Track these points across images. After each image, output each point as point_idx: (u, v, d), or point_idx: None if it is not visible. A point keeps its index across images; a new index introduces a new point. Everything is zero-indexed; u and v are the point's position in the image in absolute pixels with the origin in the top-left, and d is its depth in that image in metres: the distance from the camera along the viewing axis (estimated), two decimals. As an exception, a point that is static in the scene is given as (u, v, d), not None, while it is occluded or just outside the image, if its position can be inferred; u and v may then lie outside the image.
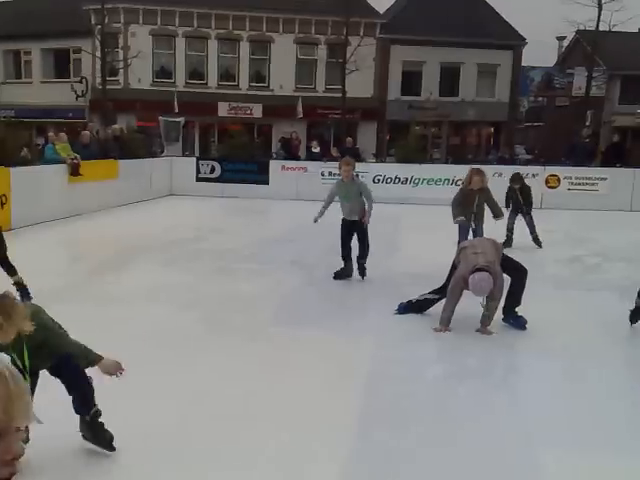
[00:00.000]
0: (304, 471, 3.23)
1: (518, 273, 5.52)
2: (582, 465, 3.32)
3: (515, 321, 5.54)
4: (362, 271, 7.34)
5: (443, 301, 5.54)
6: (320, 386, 4.30)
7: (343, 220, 7.38)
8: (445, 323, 5.39)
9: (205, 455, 3.33)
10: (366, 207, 7.22)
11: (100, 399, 3.32)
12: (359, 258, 7.34)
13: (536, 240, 9.80)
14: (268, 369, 4.59)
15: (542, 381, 4.58)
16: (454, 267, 5.53)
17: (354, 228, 7.30)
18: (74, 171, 12.30)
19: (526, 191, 9.91)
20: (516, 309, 5.55)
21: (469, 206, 7.85)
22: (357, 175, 7.85)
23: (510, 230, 9.68)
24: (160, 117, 19.31)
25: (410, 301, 5.91)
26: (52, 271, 7.55)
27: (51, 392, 3.21)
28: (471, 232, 7.92)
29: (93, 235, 10.35)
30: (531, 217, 9.80)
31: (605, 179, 15.20)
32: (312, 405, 3.99)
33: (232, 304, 6.33)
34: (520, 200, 9.79)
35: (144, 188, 15.24)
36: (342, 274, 7.37)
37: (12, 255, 6.23)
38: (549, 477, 3.22)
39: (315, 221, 7.29)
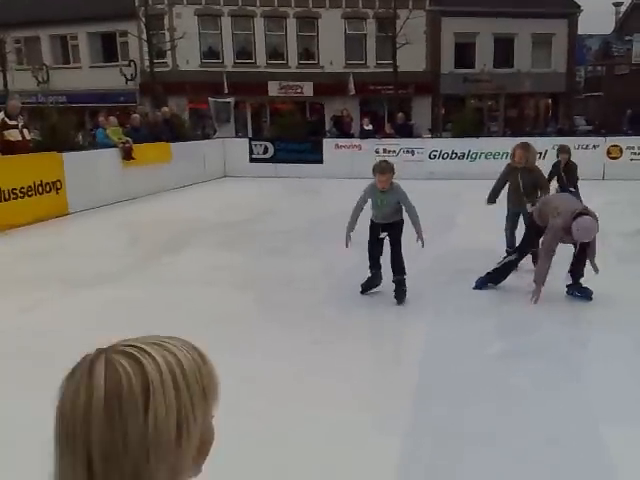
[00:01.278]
0: (365, 446, 3.16)
1: (582, 245, 5.27)
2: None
3: (581, 293, 5.40)
4: (399, 292, 5.53)
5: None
6: (375, 364, 4.27)
7: (372, 222, 5.75)
8: (542, 281, 5.20)
9: (262, 433, 3.30)
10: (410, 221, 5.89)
11: None
12: (395, 273, 5.59)
13: None
14: (322, 349, 4.54)
15: (609, 356, 4.38)
16: (532, 227, 5.47)
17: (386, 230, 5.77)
18: (127, 155, 12.31)
19: (572, 167, 8.56)
20: (580, 280, 5.41)
21: (515, 188, 6.47)
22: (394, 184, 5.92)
23: None
24: (210, 98, 19.19)
25: (488, 272, 5.71)
26: (109, 254, 7.65)
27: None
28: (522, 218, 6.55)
29: (148, 218, 10.36)
30: (578, 195, 8.16)
31: None
32: (368, 382, 3.97)
33: (287, 285, 6.24)
34: (563, 176, 8.44)
35: (198, 170, 15.21)
36: (369, 285, 5.86)
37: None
38: (615, 456, 3.06)
39: (347, 246, 5.60)
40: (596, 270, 5.21)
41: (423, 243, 5.39)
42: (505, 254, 6.21)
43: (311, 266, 6.93)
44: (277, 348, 4.52)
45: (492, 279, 5.73)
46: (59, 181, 10.41)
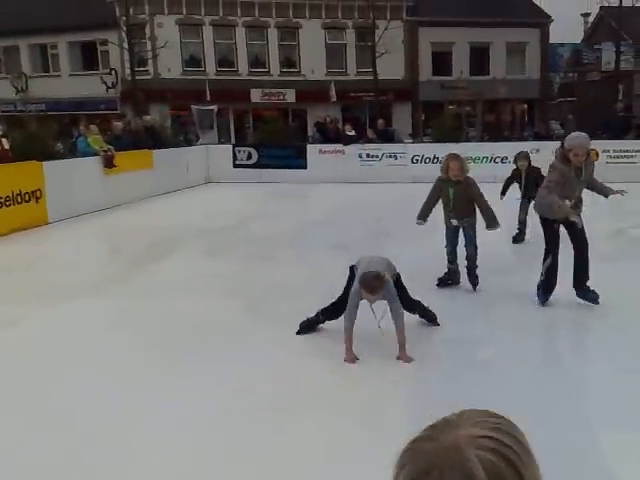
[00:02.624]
0: (362, 458, 3.01)
1: (578, 246, 5.25)
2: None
3: (587, 295, 5.33)
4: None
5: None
6: (371, 373, 4.12)
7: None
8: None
9: (255, 448, 3.21)
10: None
11: (144, 392, 3.51)
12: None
13: (519, 235, 8.16)
14: (315, 357, 4.44)
15: (605, 356, 4.37)
16: (544, 221, 5.33)
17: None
18: (108, 163, 12.17)
19: (535, 173, 7.98)
20: (587, 283, 5.31)
21: (447, 202, 5.94)
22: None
23: (522, 222, 8.10)
24: (192, 106, 19.10)
25: (539, 286, 5.45)
26: (92, 263, 7.52)
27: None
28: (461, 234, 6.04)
29: (131, 226, 10.21)
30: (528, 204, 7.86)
31: None
32: (362, 390, 3.87)
33: (275, 291, 6.13)
34: (527, 184, 7.98)
35: (181, 177, 15.09)
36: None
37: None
38: (610, 460, 3.03)
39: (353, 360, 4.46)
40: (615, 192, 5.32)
41: (406, 359, 4.33)
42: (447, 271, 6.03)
43: (298, 272, 6.83)
44: (266, 358, 4.41)
45: (547, 289, 5.41)
46: (39, 190, 10.23)
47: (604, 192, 5.43)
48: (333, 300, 4.74)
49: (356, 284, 4.31)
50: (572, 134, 5.29)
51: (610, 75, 27.01)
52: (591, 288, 5.31)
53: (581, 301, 5.35)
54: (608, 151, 14.93)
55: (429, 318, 4.97)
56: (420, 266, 6.47)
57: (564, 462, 2.98)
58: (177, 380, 4.04)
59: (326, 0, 26.49)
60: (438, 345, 4.68)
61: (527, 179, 8.02)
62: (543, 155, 14.45)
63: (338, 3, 26.66)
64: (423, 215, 5.98)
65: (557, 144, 15.51)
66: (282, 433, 3.36)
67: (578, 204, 5.30)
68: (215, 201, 13.29)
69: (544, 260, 5.35)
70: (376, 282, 4.19)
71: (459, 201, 5.76)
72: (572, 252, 5.31)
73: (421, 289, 5.84)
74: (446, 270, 6.10)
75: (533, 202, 7.74)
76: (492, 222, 5.82)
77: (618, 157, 15.15)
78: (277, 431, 3.39)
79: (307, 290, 6.03)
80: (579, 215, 5.20)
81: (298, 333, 4.90)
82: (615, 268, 6.48)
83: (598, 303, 5.26)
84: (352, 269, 4.65)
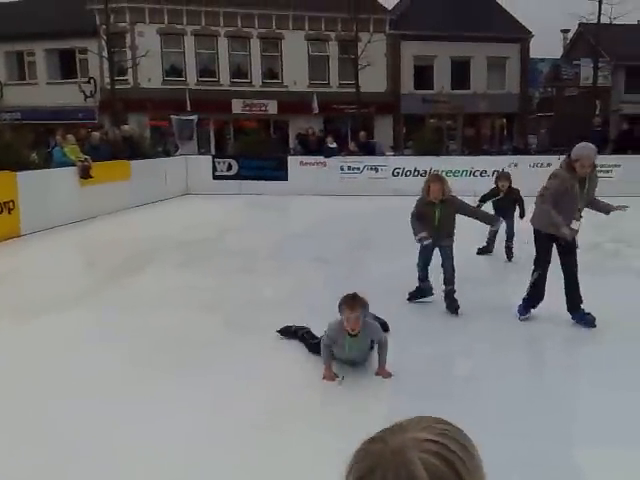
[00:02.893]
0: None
1: (567, 268, 5.15)
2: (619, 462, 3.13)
3: (583, 319, 5.19)
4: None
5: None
6: (351, 388, 4.10)
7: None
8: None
9: (237, 465, 3.18)
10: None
11: (123, 408, 3.52)
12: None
13: (509, 251, 8.01)
14: (297, 371, 4.41)
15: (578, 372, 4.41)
16: (536, 234, 5.24)
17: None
18: (85, 174, 11.95)
19: (514, 195, 8.02)
20: (581, 306, 5.19)
21: (430, 221, 5.73)
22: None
23: (492, 238, 8.03)
24: (172, 116, 18.94)
25: (524, 299, 5.35)
26: (67, 277, 7.38)
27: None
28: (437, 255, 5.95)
29: (108, 238, 10.01)
30: (512, 225, 7.97)
31: (619, 166, 15.05)
32: (345, 404, 3.84)
33: (255, 305, 6.05)
34: (504, 204, 7.94)
35: (159, 188, 14.89)
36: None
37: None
38: (588, 475, 3.07)
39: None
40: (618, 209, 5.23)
41: (385, 375, 4.31)
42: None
43: (279, 285, 6.75)
44: (247, 373, 4.36)
45: (530, 303, 5.34)
46: (12, 201, 9.98)
47: (605, 209, 5.30)
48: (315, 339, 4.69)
49: (333, 322, 4.24)
50: (579, 144, 5.14)
51: (588, 90, 27.47)
52: (586, 311, 5.18)
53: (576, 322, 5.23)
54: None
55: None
56: (399, 280, 6.41)
57: (542, 475, 2.98)
58: (154, 396, 3.97)
59: (309, 12, 26.59)
60: (417, 360, 4.63)
61: (505, 199, 7.95)
62: (521, 170, 14.73)
63: (321, 15, 26.79)
64: (420, 231, 5.69)
65: (535, 158, 15.89)
66: (263, 448, 3.32)
67: (580, 222, 5.16)
68: (194, 213, 13.13)
69: (532, 274, 5.26)
70: (356, 299, 4.12)
71: (444, 220, 5.65)
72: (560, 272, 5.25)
73: (398, 303, 5.87)
74: (417, 285, 6.01)
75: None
76: (491, 220, 5.89)
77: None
78: (257, 447, 3.34)
79: (287, 303, 6.00)
80: (574, 233, 5.06)
81: (279, 331, 5.02)
82: (593, 282, 6.46)
83: (595, 326, 5.13)
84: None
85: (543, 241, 5.15)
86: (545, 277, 5.19)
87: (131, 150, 14.16)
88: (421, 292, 6.02)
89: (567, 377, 4.37)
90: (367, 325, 4.21)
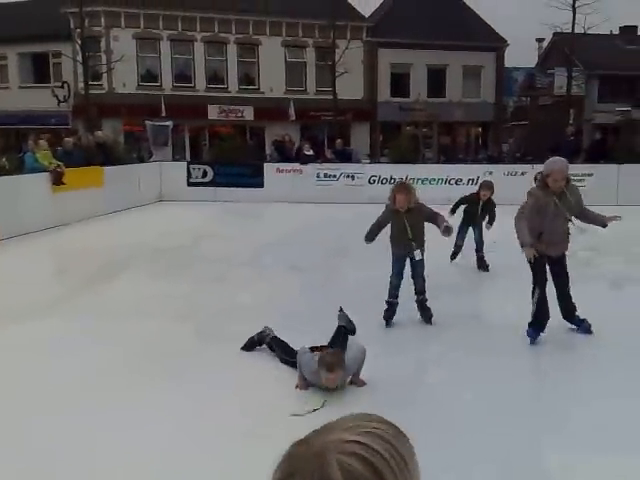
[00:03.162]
0: None
1: (558, 283, 5.13)
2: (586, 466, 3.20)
3: (579, 326, 5.23)
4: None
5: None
6: (328, 393, 4.10)
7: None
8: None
9: (207, 476, 3.16)
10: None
11: (98, 416, 3.51)
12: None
13: (481, 261, 7.98)
14: (271, 381, 4.40)
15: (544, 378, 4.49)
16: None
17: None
18: (57, 180, 11.76)
19: (491, 206, 8.01)
20: (577, 313, 5.20)
21: (402, 230, 5.64)
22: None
23: (459, 247, 8.01)
24: (147, 121, 18.75)
25: (530, 323, 5.16)
26: (39, 284, 7.25)
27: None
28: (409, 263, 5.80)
29: (80, 246, 9.86)
30: (481, 233, 8.01)
31: (591, 175, 15.28)
32: (322, 414, 3.80)
33: (230, 313, 6.01)
34: (478, 212, 7.92)
35: (132, 195, 14.71)
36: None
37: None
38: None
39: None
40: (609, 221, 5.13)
41: (360, 383, 4.35)
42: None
43: (253, 294, 6.70)
44: (220, 383, 4.33)
45: (538, 327, 5.15)
46: (-19, 207, 9.79)
47: (599, 222, 5.19)
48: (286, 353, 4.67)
49: (311, 368, 4.15)
50: (550, 159, 5.12)
51: (562, 100, 27.85)
52: (582, 317, 5.18)
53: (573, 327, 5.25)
54: (559, 174, 15.46)
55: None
56: (375, 288, 6.42)
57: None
58: (128, 404, 3.93)
59: (287, 18, 26.61)
60: (392, 368, 4.64)
61: (482, 209, 7.89)
62: (496, 177, 14.91)
63: (299, 21, 26.83)
64: (372, 236, 5.80)
65: (510, 167, 16.11)
66: (235, 460, 3.29)
67: (565, 238, 5.04)
68: (168, 220, 13.00)
69: (532, 294, 5.10)
70: (334, 360, 4.05)
71: (416, 229, 5.58)
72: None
73: (374, 311, 5.79)
74: (386, 307, 5.73)
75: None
76: (447, 231, 5.74)
77: (568, 181, 15.64)
78: (230, 458, 3.31)
79: (262, 312, 5.93)
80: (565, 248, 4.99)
81: (242, 348, 4.96)
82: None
83: (592, 332, 5.12)
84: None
85: (536, 260, 4.99)
86: (545, 294, 5.05)
87: (105, 156, 13.97)
88: (392, 311, 5.78)
89: (543, 384, 4.43)
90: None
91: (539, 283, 5.04)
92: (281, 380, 4.42)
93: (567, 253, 5.17)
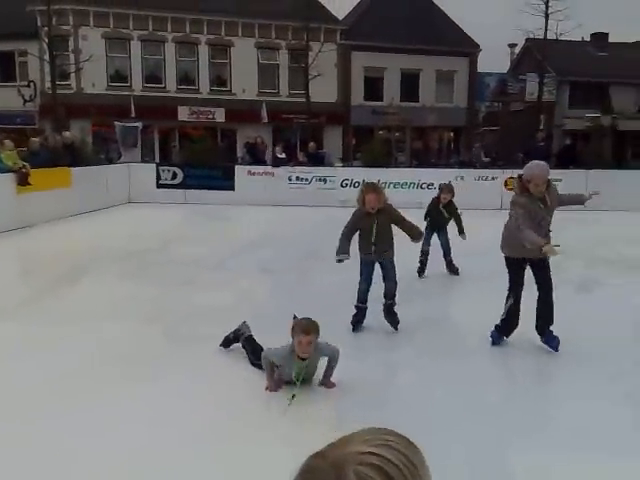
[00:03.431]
0: None
1: (543, 288, 5.00)
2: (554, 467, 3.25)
3: (551, 342, 5.07)
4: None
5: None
6: (298, 396, 4.05)
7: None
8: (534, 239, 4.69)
9: (181, 478, 3.14)
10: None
11: (62, 420, 3.45)
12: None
13: (451, 265, 7.89)
14: (241, 384, 4.34)
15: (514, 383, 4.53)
16: (507, 260, 5.06)
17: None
18: (22, 181, 11.50)
19: (453, 209, 7.90)
20: (550, 328, 5.06)
21: (369, 234, 5.46)
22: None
23: (426, 254, 7.75)
24: (116, 122, 18.45)
25: (496, 325, 5.08)
26: (3, 287, 7.09)
27: None
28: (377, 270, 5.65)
29: (45, 248, 9.64)
30: (447, 237, 7.90)
31: (560, 180, 15.62)
32: (291, 416, 3.80)
33: (199, 317, 5.93)
34: (443, 216, 7.84)
35: (101, 196, 14.46)
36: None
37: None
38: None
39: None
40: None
41: (330, 385, 4.33)
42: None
43: (223, 297, 6.60)
44: (189, 387, 4.27)
45: (504, 331, 5.12)
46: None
47: (578, 200, 5.12)
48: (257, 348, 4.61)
49: (282, 349, 4.12)
50: (530, 163, 4.98)
51: (533, 105, 28.25)
52: (554, 333, 5.07)
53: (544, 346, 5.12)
54: (529, 179, 15.63)
55: None
56: (346, 291, 6.36)
57: None
58: (91, 412, 3.84)
59: (259, 19, 26.50)
60: (359, 371, 4.61)
61: (442, 213, 7.78)
62: (468, 183, 15.06)
63: (272, 23, 26.75)
64: (345, 250, 5.45)
65: (481, 172, 16.28)
66: (204, 465, 3.24)
67: (549, 239, 4.92)
68: (137, 222, 12.81)
69: (506, 300, 5.03)
70: (310, 323, 4.04)
71: (382, 231, 5.41)
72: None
73: (345, 314, 5.73)
74: (355, 312, 5.60)
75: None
76: (417, 236, 5.68)
77: (539, 185, 15.83)
78: (198, 463, 3.25)
79: (232, 315, 5.79)
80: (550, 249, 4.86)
81: (221, 345, 4.95)
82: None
83: (558, 350, 5.01)
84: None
85: (514, 266, 4.98)
86: (519, 302, 5.00)
87: (72, 157, 13.70)
88: (361, 316, 5.65)
89: (512, 386, 4.46)
90: (317, 347, 4.09)
91: (514, 289, 4.98)
92: (251, 381, 4.38)
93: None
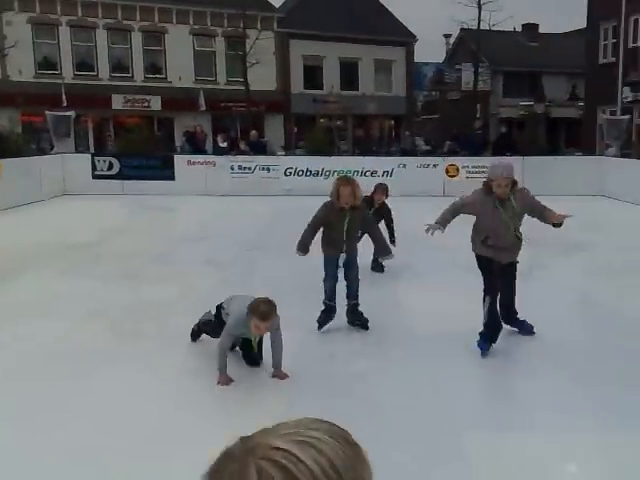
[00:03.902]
0: None
1: (504, 294, 4.89)
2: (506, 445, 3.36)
3: (521, 327, 5.09)
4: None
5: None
6: (246, 395, 4.04)
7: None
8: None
9: (127, 476, 3.05)
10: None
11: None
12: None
13: (375, 263, 7.26)
14: (185, 381, 4.24)
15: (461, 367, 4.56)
16: (479, 259, 4.90)
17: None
18: (-54, 172, 10.77)
19: (385, 211, 7.43)
20: (517, 315, 5.06)
21: (340, 231, 5.11)
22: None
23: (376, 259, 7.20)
24: (47, 111, 17.64)
25: (481, 333, 4.79)
26: None
27: None
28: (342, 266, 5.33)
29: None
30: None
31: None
32: (243, 409, 3.75)
33: (142, 311, 5.77)
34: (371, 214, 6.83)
35: (33, 189, 13.81)
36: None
37: None
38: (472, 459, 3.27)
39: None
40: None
41: (282, 376, 4.25)
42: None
43: (166, 291, 6.44)
44: (132, 383, 4.15)
45: (490, 338, 4.80)
46: None
47: (554, 220, 4.76)
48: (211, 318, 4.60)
49: (239, 316, 4.04)
50: (493, 163, 4.81)
51: (469, 94, 28.96)
52: (521, 319, 5.04)
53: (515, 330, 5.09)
54: (467, 167, 15.87)
55: None
56: (295, 281, 6.34)
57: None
58: (28, 414, 3.68)
59: (194, 6, 26.00)
60: (315, 361, 4.62)
61: (375, 212, 7.12)
62: (410, 170, 15.28)
63: (207, 10, 26.27)
64: (305, 246, 5.20)
65: (422, 159, 16.57)
66: (149, 466, 3.13)
67: (512, 245, 4.77)
68: (73, 215, 12.29)
69: (483, 302, 4.81)
70: (271, 307, 3.95)
71: (353, 230, 5.10)
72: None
73: (295, 305, 5.51)
74: (323, 308, 5.29)
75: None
76: (385, 251, 5.40)
77: (476, 172, 15.94)
78: (144, 464, 3.15)
79: (175, 309, 5.74)
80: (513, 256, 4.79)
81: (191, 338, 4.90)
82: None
83: (534, 333, 4.99)
84: (219, 308, 4.47)
85: (484, 264, 4.81)
86: (496, 303, 4.79)
87: (0, 148, 12.99)
88: (330, 314, 5.31)
89: (473, 372, 4.53)
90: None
91: (489, 291, 4.81)
92: (201, 375, 4.29)
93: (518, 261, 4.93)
